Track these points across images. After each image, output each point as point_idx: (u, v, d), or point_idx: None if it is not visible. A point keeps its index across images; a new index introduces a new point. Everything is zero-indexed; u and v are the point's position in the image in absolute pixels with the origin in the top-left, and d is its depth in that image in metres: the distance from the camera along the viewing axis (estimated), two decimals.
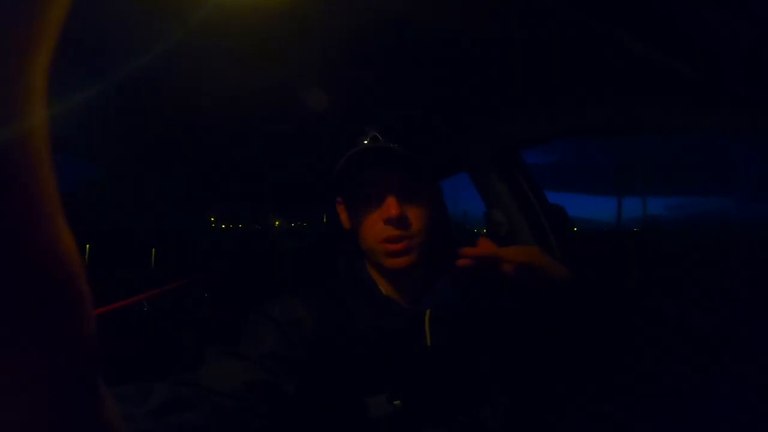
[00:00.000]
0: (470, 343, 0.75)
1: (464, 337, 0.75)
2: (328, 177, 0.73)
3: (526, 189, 1.37)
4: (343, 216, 0.81)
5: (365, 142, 0.72)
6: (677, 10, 0.57)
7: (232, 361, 0.62)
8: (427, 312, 0.74)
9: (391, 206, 0.69)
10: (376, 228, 0.71)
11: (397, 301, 0.76)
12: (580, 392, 0.86)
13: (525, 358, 0.77)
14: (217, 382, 0.56)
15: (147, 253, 2.47)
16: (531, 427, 0.77)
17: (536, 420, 0.78)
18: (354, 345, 0.70)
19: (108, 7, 0.74)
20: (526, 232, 1.34)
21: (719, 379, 0.91)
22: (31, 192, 0.16)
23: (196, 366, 0.60)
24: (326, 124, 1.40)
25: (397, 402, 0.68)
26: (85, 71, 0.90)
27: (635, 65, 0.74)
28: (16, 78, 0.16)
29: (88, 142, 1.59)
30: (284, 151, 1.79)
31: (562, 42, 0.78)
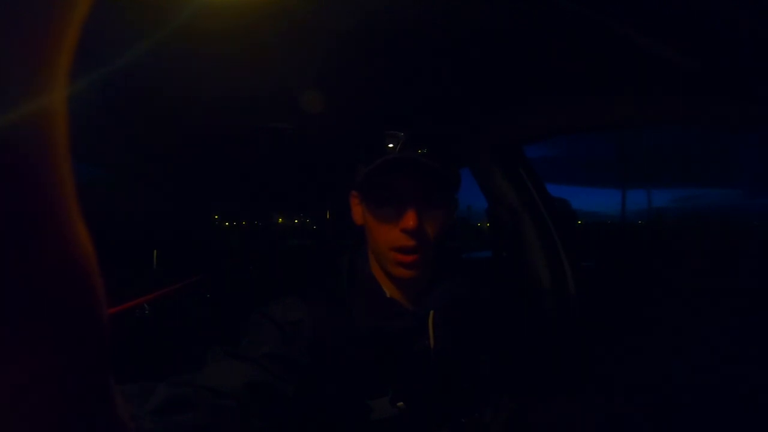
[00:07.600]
0: (473, 345, 0.74)
1: (467, 338, 0.74)
2: (344, 175, 0.71)
3: (528, 183, 1.36)
4: (357, 210, 0.78)
5: (390, 145, 0.69)
6: (680, 2, 0.55)
7: (232, 361, 0.61)
8: (431, 313, 0.73)
9: (410, 218, 0.67)
10: (391, 234, 0.69)
11: (400, 302, 0.75)
12: (581, 392, 0.85)
13: (527, 359, 0.76)
14: (217, 383, 0.56)
15: (149, 254, 2.46)
16: (533, 429, 0.76)
17: (538, 421, 0.77)
18: (356, 346, 0.70)
19: (105, 7, 0.73)
20: (529, 227, 1.33)
21: (726, 377, 0.89)
22: (50, 189, 0.16)
23: (197, 367, 0.60)
24: (328, 122, 1.39)
25: (400, 404, 0.67)
26: (81, 71, 0.89)
27: (637, 59, 0.73)
28: (41, 52, 0.16)
29: (88, 143, 1.58)
30: (286, 149, 1.78)
31: (563, 36, 0.76)
